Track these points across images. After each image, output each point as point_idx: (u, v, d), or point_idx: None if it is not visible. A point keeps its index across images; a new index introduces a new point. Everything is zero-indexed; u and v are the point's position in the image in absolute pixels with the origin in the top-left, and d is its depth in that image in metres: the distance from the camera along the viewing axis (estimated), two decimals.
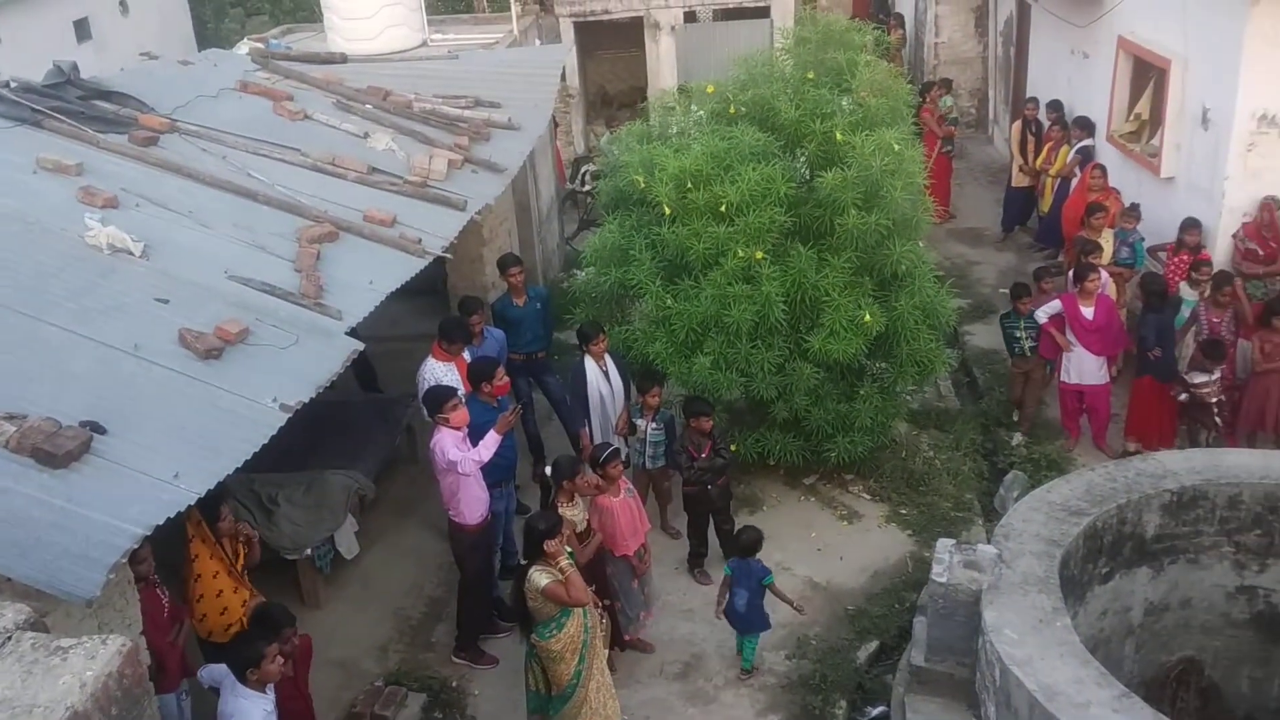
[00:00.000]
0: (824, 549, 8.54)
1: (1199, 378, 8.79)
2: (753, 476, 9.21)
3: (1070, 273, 10.18)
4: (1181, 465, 6.61)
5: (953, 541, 6.13)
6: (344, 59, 10.68)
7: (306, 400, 5.63)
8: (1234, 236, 9.85)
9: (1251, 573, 6.51)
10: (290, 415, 5.50)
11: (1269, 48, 9.41)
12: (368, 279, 6.81)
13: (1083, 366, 9.37)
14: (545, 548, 6.18)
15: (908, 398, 9.42)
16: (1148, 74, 11.50)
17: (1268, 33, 9.37)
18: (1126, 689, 5.08)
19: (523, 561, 6.45)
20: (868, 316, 8.06)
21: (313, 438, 8.50)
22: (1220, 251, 9.93)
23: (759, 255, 8.04)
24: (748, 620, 7.28)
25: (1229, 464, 6.60)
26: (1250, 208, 9.80)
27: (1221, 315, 9.09)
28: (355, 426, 9.13)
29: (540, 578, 6.18)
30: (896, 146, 7.97)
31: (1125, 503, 6.32)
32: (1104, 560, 6.37)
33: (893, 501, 9.01)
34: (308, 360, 5.93)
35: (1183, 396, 8.94)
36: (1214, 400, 8.79)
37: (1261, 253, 9.64)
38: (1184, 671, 6.61)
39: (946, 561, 5.91)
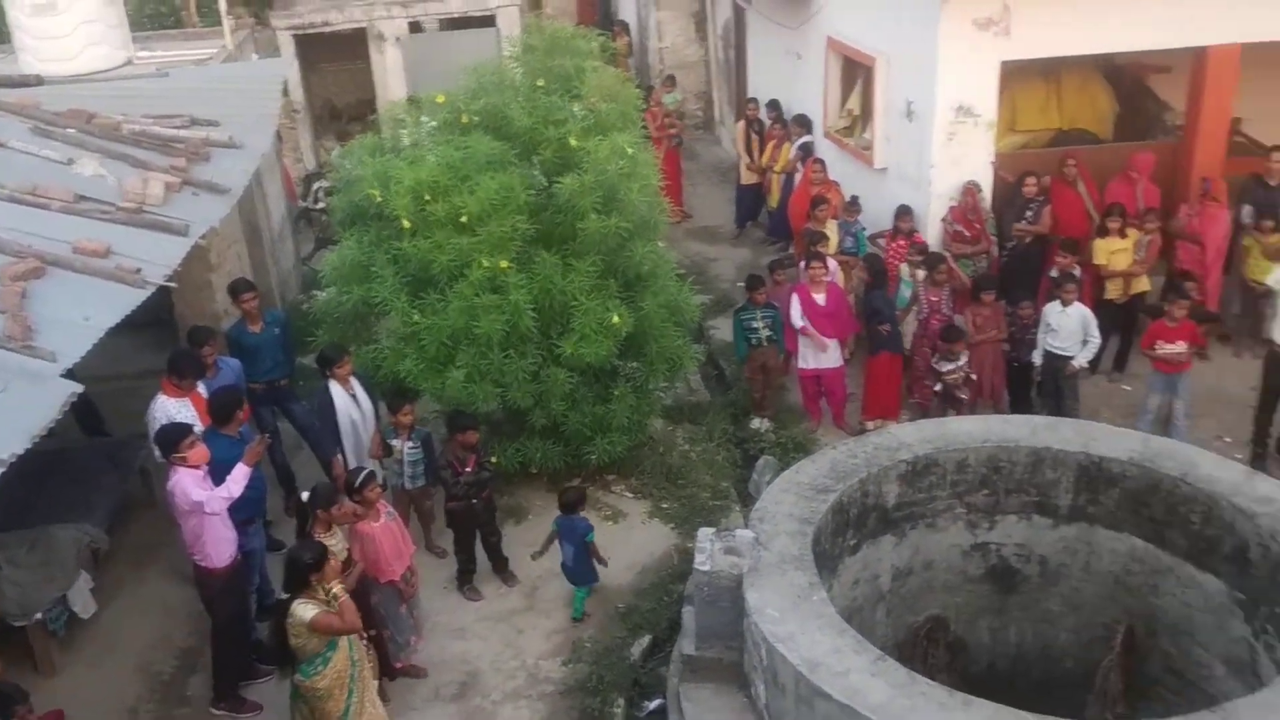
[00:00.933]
0: None
1: (946, 365, 9.37)
2: (515, 487, 9.16)
3: (801, 263, 10.68)
4: (914, 436, 7.03)
5: (712, 530, 6.29)
6: (39, 81, 9.87)
7: (21, 452, 5.15)
8: (943, 220, 10.62)
9: (983, 530, 7.01)
10: (4, 469, 5.01)
11: (961, 44, 10.19)
12: (83, 315, 6.29)
13: (819, 351, 9.85)
14: (313, 579, 5.92)
15: (661, 394, 9.62)
16: (856, 72, 12.23)
17: (959, 30, 10.15)
18: (881, 653, 5.36)
19: (283, 596, 6.15)
20: (616, 318, 8.17)
21: (34, 491, 7.85)
22: (932, 235, 10.68)
23: (504, 264, 8.00)
24: (576, 573, 7.97)
25: (955, 431, 7.08)
26: (954, 193, 10.59)
27: (940, 293, 9.79)
28: (81, 474, 8.46)
29: (305, 610, 5.91)
30: (630, 150, 8.12)
31: (866, 476, 6.66)
32: (852, 533, 6.69)
33: (654, 497, 9.18)
34: (19, 408, 5.41)
35: (937, 386, 9.50)
36: (963, 382, 9.36)
37: (968, 234, 10.44)
38: (932, 629, 7.02)
39: (708, 550, 6.06)
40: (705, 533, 6.25)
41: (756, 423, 10.14)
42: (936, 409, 9.47)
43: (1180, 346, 8.99)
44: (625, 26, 19.19)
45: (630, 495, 9.24)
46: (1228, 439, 9.51)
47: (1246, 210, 10.53)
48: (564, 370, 8.27)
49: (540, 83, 8.70)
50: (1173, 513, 6.42)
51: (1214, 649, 6.26)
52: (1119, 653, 6.41)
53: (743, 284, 10.59)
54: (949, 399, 9.41)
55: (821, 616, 5.55)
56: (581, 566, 7.94)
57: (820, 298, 9.72)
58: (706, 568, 5.97)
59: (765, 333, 9.94)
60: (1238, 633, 6.12)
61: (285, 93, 12.61)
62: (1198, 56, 10.76)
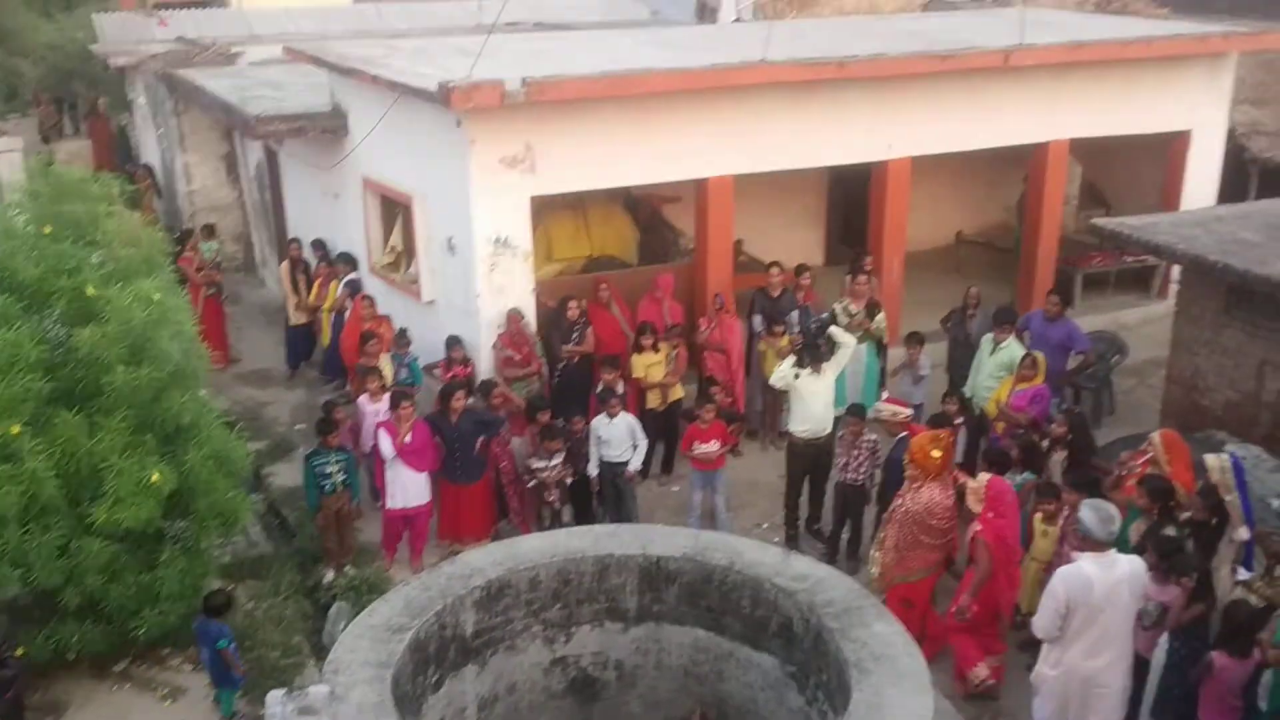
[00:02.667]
0: None
1: (538, 463, 9.65)
2: (51, 680, 8.05)
3: (357, 399, 10.50)
4: (485, 560, 7.02)
5: (282, 691, 5.87)
6: None
7: None
8: (494, 347, 10.95)
9: (561, 644, 7.10)
10: None
11: (492, 180, 10.72)
12: None
13: (407, 489, 9.67)
14: None
15: (215, 553, 8.95)
16: (396, 209, 12.43)
17: (489, 168, 10.68)
18: None
19: None
20: (156, 475, 7.53)
21: None
22: (485, 361, 10.97)
23: (15, 430, 7.14)
24: (215, 675, 7.93)
25: (525, 550, 7.16)
26: (501, 320, 10.98)
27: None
28: None
29: None
30: (157, 296, 7.63)
31: (442, 608, 6.53)
32: (433, 669, 6.52)
33: None
34: None
35: (531, 483, 9.73)
36: (554, 482, 9.69)
37: (518, 358, 10.83)
38: None
39: (279, 714, 5.64)
40: (274, 695, 5.80)
41: (330, 576, 9.71)
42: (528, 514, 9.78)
43: (713, 445, 9.83)
44: (149, 170, 18.23)
45: (191, 667, 8.44)
46: (765, 525, 10.47)
47: (757, 320, 11.84)
48: (100, 539, 7.47)
49: (48, 230, 7.99)
50: (726, 600, 6.88)
51: None
52: None
53: (301, 426, 10.21)
54: (539, 498, 9.72)
55: None
56: (219, 669, 7.90)
57: (407, 435, 9.59)
58: None
59: (340, 477, 9.58)
60: (795, 704, 6.62)
61: None
62: (700, 187, 12.07)
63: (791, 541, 9.90)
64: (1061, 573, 6.85)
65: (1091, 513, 6.78)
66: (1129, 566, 6.80)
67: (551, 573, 6.98)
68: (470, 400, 9.88)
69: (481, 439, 9.80)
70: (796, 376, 9.68)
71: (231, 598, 8.11)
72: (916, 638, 7.69)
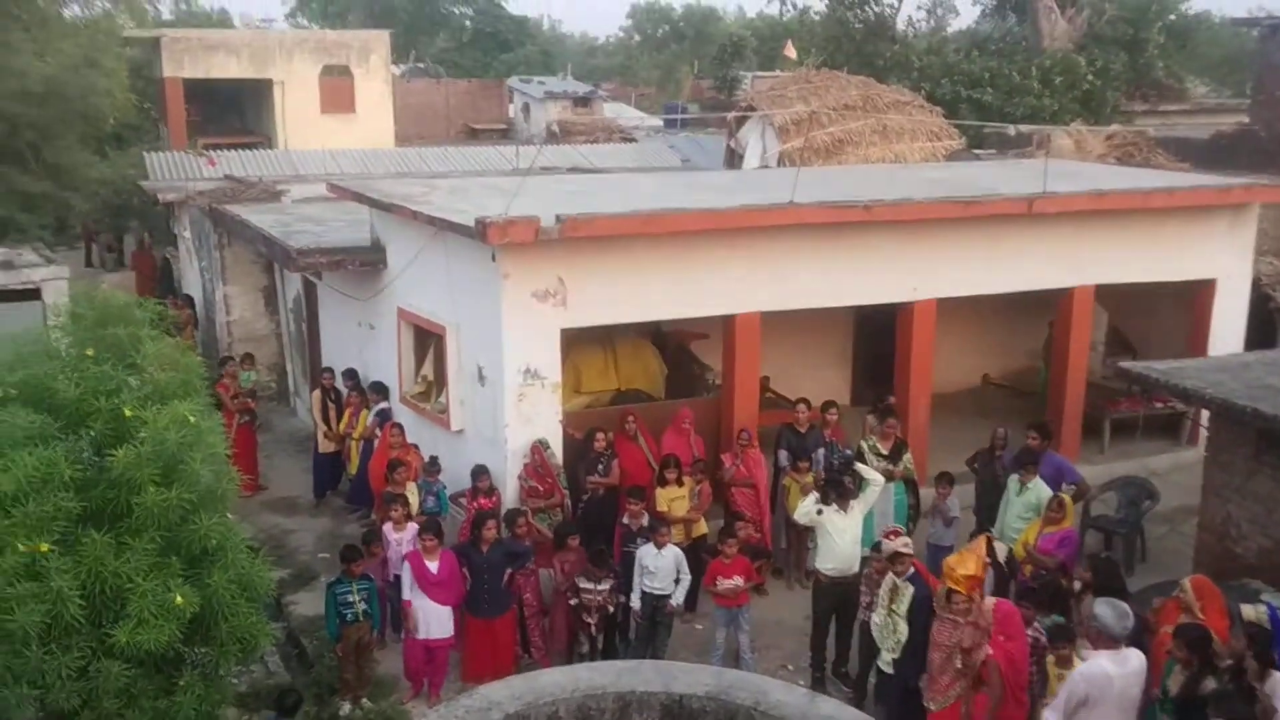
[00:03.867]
0: None
1: (585, 584, 9.61)
2: None
3: (381, 527, 10.49)
4: (503, 694, 6.95)
5: None
6: None
7: None
8: (518, 478, 10.98)
9: None
10: None
11: (523, 314, 10.94)
12: None
13: (429, 621, 9.58)
14: None
15: (234, 680, 8.83)
16: (428, 340, 12.65)
17: (521, 301, 10.91)
18: None
19: None
20: (179, 598, 7.50)
21: None
22: (510, 491, 10.99)
23: (45, 548, 7.18)
24: None
25: (544, 684, 7.09)
26: (527, 450, 11.04)
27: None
28: None
29: None
30: (193, 419, 7.74)
31: None
32: None
33: None
34: None
35: (573, 601, 9.68)
36: (596, 607, 9.62)
37: (541, 489, 10.84)
38: None
39: None
40: None
41: (346, 708, 9.56)
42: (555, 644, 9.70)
43: (736, 580, 9.73)
44: (189, 300, 18.71)
45: None
46: (790, 667, 10.26)
47: (783, 455, 11.84)
48: (119, 662, 7.40)
49: (90, 352, 8.17)
50: None
51: None
52: None
53: (325, 555, 10.19)
54: (581, 620, 9.64)
55: None
56: None
57: (433, 565, 9.56)
58: None
59: (361, 606, 9.52)
60: None
61: None
62: (727, 324, 12.24)
63: (818, 685, 9.67)
64: (1083, 670, 7.16)
65: (1108, 609, 7.14)
66: (1138, 662, 7.27)
67: (571, 708, 6.89)
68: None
69: (510, 570, 9.75)
70: (820, 512, 9.64)
71: (303, 697, 7.95)
72: None
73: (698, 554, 10.76)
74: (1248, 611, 7.70)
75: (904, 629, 8.48)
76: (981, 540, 8.92)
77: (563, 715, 6.89)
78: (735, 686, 6.99)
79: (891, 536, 8.97)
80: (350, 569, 9.57)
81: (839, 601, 9.76)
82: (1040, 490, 10.35)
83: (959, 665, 7.96)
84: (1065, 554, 9.65)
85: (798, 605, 10.98)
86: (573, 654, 9.83)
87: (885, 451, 11.36)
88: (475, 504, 10.68)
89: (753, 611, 10.16)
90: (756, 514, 11.42)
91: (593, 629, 9.77)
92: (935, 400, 13.68)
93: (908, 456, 11.48)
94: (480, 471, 10.78)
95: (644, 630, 9.92)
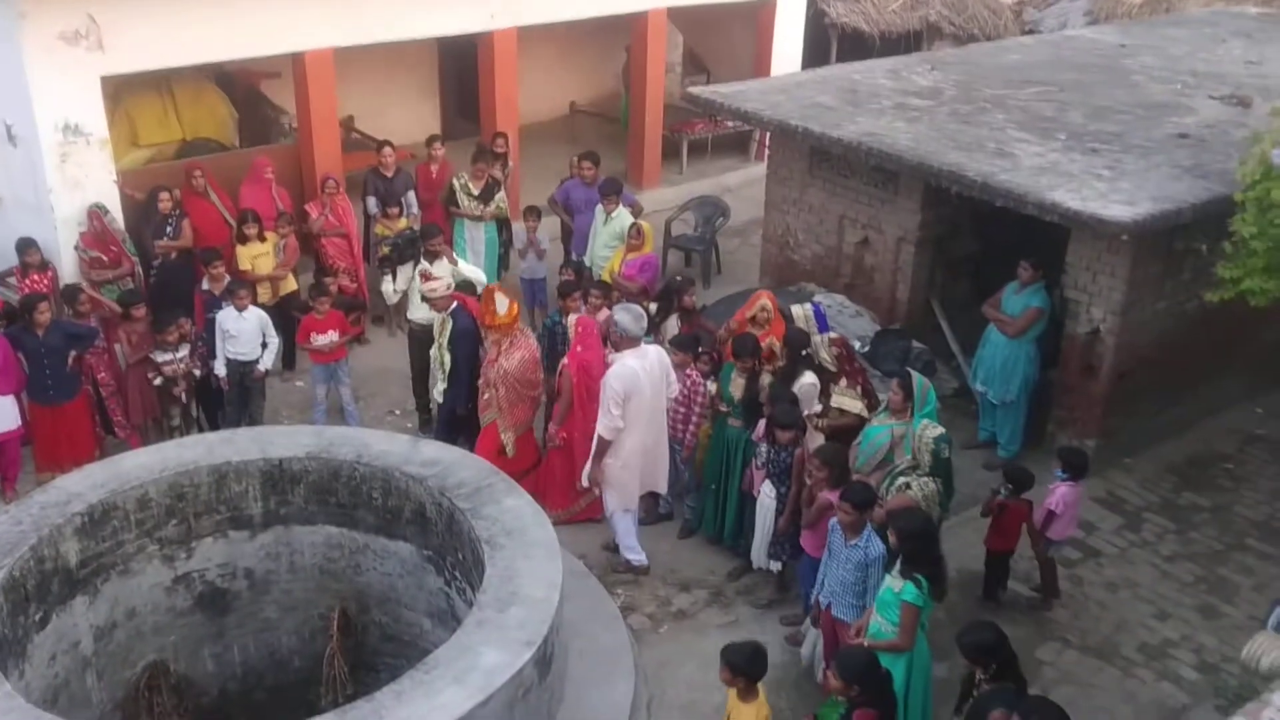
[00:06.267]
0: None
1: (162, 356, 9.00)
2: None
3: None
4: (84, 484, 6.48)
5: None
6: None
7: None
8: (76, 249, 9.90)
9: (182, 561, 6.74)
10: None
11: (51, 60, 9.54)
12: None
13: None
14: None
15: None
16: None
17: (46, 45, 9.46)
18: None
19: None
20: None
21: None
22: (68, 264, 9.92)
23: None
24: None
25: (129, 468, 6.67)
26: (82, 218, 9.93)
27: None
28: None
29: None
30: None
31: (38, 541, 6.00)
32: (35, 606, 6.00)
33: None
34: None
35: (157, 380, 9.04)
36: (183, 375, 9.13)
37: (106, 259, 9.87)
38: (151, 676, 6.63)
39: None
40: None
41: None
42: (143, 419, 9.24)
43: (331, 335, 9.51)
44: None
45: None
46: (397, 411, 10.36)
47: (371, 202, 11.44)
48: None
49: None
50: (357, 494, 6.78)
51: (419, 607, 6.78)
52: (336, 637, 6.65)
53: None
54: (169, 394, 9.16)
55: (13, 711, 4.89)
56: None
57: None
58: None
59: None
60: (434, 586, 6.71)
61: None
62: (297, 62, 11.35)
63: (425, 428, 9.83)
64: (615, 371, 7.71)
65: (626, 314, 7.79)
66: (655, 354, 7.97)
67: (162, 489, 6.59)
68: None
69: (74, 353, 8.90)
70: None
71: None
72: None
73: (288, 312, 10.35)
74: (796, 311, 8.54)
75: (448, 359, 8.84)
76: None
77: (154, 496, 6.57)
78: (336, 443, 6.94)
79: (422, 279, 9.11)
80: None
81: (429, 345, 9.82)
82: (623, 219, 10.75)
83: (500, 392, 8.45)
84: (646, 278, 10.20)
85: (400, 351, 10.98)
86: (166, 429, 9.33)
87: (476, 192, 11.28)
88: (27, 281, 9.55)
89: (354, 362, 10.03)
90: (350, 263, 11.10)
91: (183, 399, 9.26)
92: (524, 130, 13.64)
93: (500, 195, 11.47)
94: (27, 245, 9.55)
95: (235, 397, 9.52)
